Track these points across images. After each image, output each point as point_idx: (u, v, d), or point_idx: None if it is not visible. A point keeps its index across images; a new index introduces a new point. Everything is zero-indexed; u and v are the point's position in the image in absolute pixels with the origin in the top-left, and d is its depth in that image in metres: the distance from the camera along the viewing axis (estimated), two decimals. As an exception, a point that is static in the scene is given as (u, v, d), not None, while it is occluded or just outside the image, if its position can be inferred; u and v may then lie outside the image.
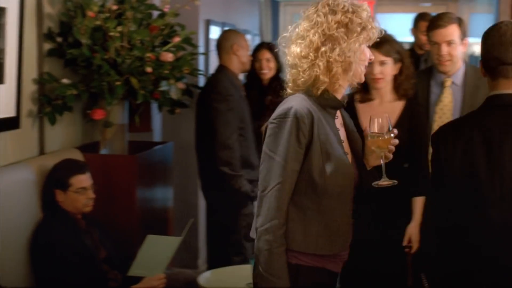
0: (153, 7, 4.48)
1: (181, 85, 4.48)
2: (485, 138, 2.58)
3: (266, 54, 5.56)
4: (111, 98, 4.12)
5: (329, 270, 2.66)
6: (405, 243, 3.73)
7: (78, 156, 4.22)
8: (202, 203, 5.66)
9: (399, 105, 3.87)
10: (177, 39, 4.46)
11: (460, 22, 4.08)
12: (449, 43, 4.04)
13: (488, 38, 2.69)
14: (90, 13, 4.02)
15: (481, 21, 8.88)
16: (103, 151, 4.49)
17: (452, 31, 4.05)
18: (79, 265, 3.66)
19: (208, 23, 6.30)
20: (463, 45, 4.08)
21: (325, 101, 2.66)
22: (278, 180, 2.54)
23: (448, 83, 4.11)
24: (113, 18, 4.14)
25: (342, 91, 2.71)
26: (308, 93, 2.65)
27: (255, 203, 4.91)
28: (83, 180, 3.82)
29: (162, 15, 4.45)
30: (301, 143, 2.55)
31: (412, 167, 3.81)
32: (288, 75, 2.72)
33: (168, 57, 4.26)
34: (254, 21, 8.81)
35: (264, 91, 5.56)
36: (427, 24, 4.30)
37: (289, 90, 2.71)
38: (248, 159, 4.78)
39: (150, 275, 3.85)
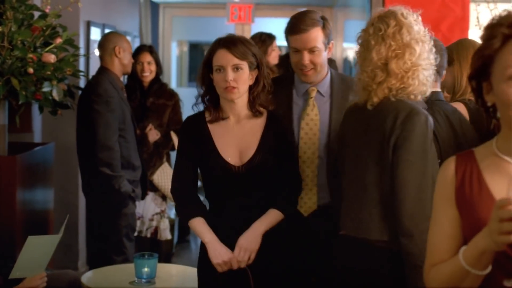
0: (34, 7, 4.46)
1: (63, 86, 4.48)
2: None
3: (147, 57, 5.65)
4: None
5: None
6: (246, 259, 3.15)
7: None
8: (82, 204, 5.66)
9: (259, 123, 3.23)
10: (59, 41, 4.47)
11: (324, 23, 3.52)
12: (311, 50, 3.49)
13: None
14: (-31, 13, 3.98)
15: (355, 27, 9.20)
16: (-18, 152, 4.43)
17: (315, 35, 3.49)
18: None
19: (88, 24, 6.28)
20: (328, 50, 3.54)
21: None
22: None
23: (313, 93, 3.56)
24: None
25: None
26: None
27: (137, 202, 5.03)
28: None
29: (44, 15, 4.44)
30: None
31: (284, 186, 3.25)
32: (389, 86, 2.84)
33: (50, 58, 4.27)
34: (134, 22, 8.81)
35: (145, 93, 5.63)
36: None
37: (377, 98, 2.85)
38: (129, 160, 4.83)
39: (31, 275, 3.84)
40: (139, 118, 5.38)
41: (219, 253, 3.10)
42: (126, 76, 5.53)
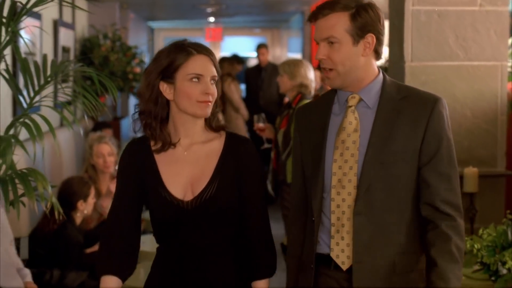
0: (124, 44, 8.46)
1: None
2: None
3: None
4: (115, 91, 8.08)
5: None
6: None
7: (88, 122, 8.13)
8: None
9: (216, 147, 2.54)
10: (136, 60, 8.51)
11: (358, 8, 2.44)
12: (328, 40, 2.46)
13: None
14: (103, 48, 7.99)
15: (295, 42, 13.21)
16: (100, 119, 8.42)
17: (335, 22, 2.44)
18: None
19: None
20: (364, 44, 2.46)
21: None
22: None
23: (352, 101, 2.53)
24: (110, 50, 8.13)
25: None
26: None
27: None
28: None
29: (130, 47, 8.45)
30: None
31: (254, 241, 2.55)
32: None
33: (137, 70, 8.31)
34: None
35: None
36: (263, 49, 8.20)
37: None
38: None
39: None
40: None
41: None
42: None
